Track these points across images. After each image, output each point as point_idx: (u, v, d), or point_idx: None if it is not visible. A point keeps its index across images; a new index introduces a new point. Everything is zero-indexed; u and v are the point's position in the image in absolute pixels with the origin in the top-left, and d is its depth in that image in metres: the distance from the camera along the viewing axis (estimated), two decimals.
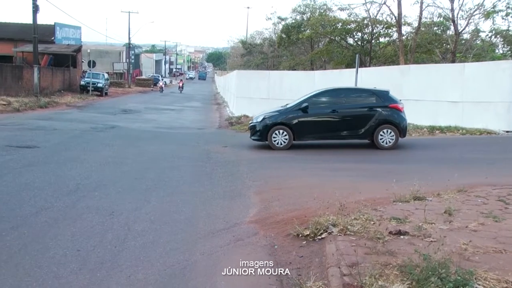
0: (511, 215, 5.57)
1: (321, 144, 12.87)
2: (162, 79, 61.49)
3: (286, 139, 12.44)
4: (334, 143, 13.03)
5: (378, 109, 12.50)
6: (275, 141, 12.45)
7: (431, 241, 4.56)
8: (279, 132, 12.47)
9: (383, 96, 12.69)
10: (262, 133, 12.61)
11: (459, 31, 27.93)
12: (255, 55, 59.53)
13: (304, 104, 12.61)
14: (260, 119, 12.89)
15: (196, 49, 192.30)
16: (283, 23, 45.44)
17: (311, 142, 13.17)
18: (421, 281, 3.54)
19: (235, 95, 25.61)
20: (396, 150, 12.75)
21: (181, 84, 56.66)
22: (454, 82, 17.62)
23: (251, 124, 13.20)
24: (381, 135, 12.38)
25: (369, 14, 33.03)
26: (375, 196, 6.91)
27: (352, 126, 12.52)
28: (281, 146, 12.42)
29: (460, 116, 16.76)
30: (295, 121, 12.51)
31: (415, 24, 30.97)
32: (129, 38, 59.45)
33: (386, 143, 12.37)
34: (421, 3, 28.00)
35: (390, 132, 12.37)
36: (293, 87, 21.89)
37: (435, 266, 3.64)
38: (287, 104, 13.28)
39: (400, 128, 12.46)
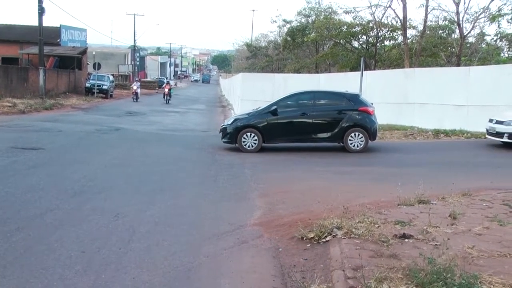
0: None
1: (323, 147, 12.85)
2: (136, 82, 40.11)
3: (256, 141, 12.42)
4: (335, 146, 13.01)
5: (348, 112, 12.48)
6: (244, 143, 12.43)
7: (436, 244, 4.56)
8: (248, 135, 12.45)
9: (353, 99, 12.71)
10: (232, 135, 12.61)
11: (465, 34, 27.90)
12: (260, 58, 59.51)
13: (274, 107, 12.61)
14: (231, 121, 12.94)
15: (201, 52, 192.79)
16: (288, 26, 45.51)
17: (315, 145, 13.15)
18: (425, 284, 3.54)
19: (240, 98, 25.63)
20: (398, 153, 12.75)
21: (166, 90, 36.92)
22: (459, 85, 17.58)
23: (222, 127, 13.20)
24: (350, 138, 12.37)
25: (374, 17, 33.05)
26: (380, 199, 6.90)
27: (322, 129, 12.53)
28: (251, 149, 12.39)
29: (465, 119, 16.70)
30: (265, 123, 12.49)
31: (420, 27, 30.99)
32: (134, 41, 59.71)
33: (356, 146, 12.36)
34: (426, 6, 28.03)
35: (360, 135, 12.36)
36: (298, 89, 21.87)
37: (439, 269, 3.64)
38: (259, 107, 13.32)
39: (370, 131, 12.43)
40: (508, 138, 12.51)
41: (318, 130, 12.53)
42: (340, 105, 12.63)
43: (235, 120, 12.93)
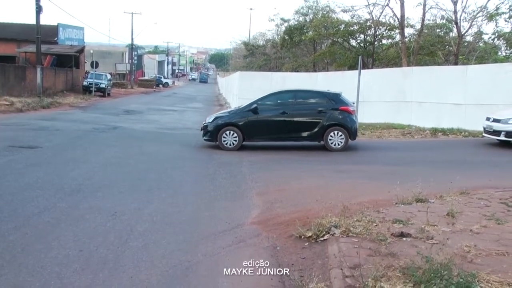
0: None
1: (321, 147, 12.85)
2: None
3: (236, 139, 12.45)
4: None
5: (328, 111, 12.53)
6: (225, 142, 12.45)
7: (434, 243, 4.56)
8: (229, 133, 12.47)
9: (334, 99, 12.74)
10: (212, 133, 12.63)
11: (462, 33, 27.92)
12: (258, 57, 59.47)
13: (254, 105, 12.68)
14: (211, 119, 12.96)
15: (199, 50, 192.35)
16: (285, 24, 45.48)
17: (313, 144, 13.15)
18: (423, 283, 3.55)
19: (238, 96, 25.62)
20: (396, 151, 12.76)
21: None
22: (457, 84, 17.61)
23: (203, 124, 13.18)
24: (330, 137, 12.41)
25: (372, 16, 33.09)
26: (377, 197, 6.91)
27: (302, 128, 12.57)
28: (231, 147, 12.41)
29: (463, 118, 16.74)
30: (245, 122, 12.54)
31: (418, 26, 31.06)
32: (132, 39, 59.50)
33: (336, 145, 12.40)
34: (424, 5, 28.09)
35: (340, 134, 12.41)
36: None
37: (437, 268, 3.64)
38: (241, 105, 13.34)
39: (350, 131, 12.47)
40: (505, 137, 12.54)
41: (299, 128, 12.58)
42: (321, 104, 12.69)
43: (216, 118, 12.95)
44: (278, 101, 12.89)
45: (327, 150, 12.53)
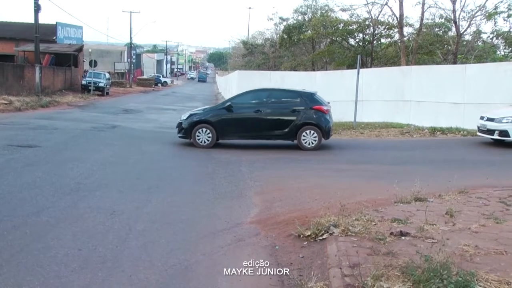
0: None
1: (322, 145, 12.84)
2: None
3: (210, 137, 12.49)
4: (333, 145, 13.03)
5: (302, 110, 12.58)
6: (198, 139, 12.48)
7: (433, 242, 4.57)
8: (202, 130, 12.51)
9: (308, 98, 12.78)
10: (186, 130, 12.66)
11: (461, 32, 27.93)
12: (257, 56, 59.43)
13: (228, 103, 12.80)
14: (186, 116, 12.99)
15: (198, 49, 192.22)
16: (284, 23, 45.52)
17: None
18: (422, 282, 3.55)
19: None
20: (395, 151, 12.76)
21: None
22: (456, 83, 17.63)
23: (178, 122, 13.22)
24: (304, 136, 12.46)
25: (370, 15, 33.07)
26: (376, 196, 6.92)
27: (276, 127, 12.61)
28: (205, 144, 12.45)
29: (461, 117, 16.76)
30: (219, 119, 12.57)
31: (417, 25, 31.04)
32: (131, 38, 59.43)
33: (309, 144, 12.45)
34: (423, 4, 28.08)
35: (313, 133, 12.45)
36: (294, 87, 21.90)
37: (436, 267, 3.65)
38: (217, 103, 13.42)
39: (323, 130, 12.50)
40: (499, 136, 12.55)
41: (272, 127, 12.61)
42: (295, 103, 12.74)
43: (191, 115, 12.95)
44: (253, 100, 12.95)
45: (325, 149, 12.53)
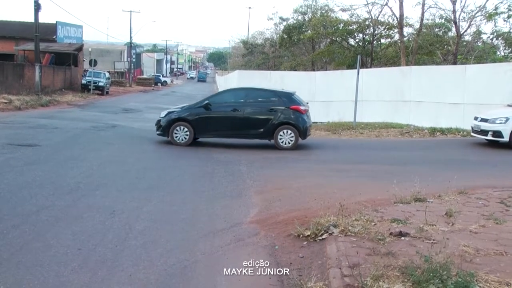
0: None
1: (321, 145, 12.86)
2: None
3: (187, 135, 12.52)
4: (334, 144, 13.03)
5: (279, 110, 12.60)
6: (176, 137, 12.52)
7: (432, 242, 4.57)
8: (180, 128, 12.55)
9: (286, 98, 12.80)
10: (164, 128, 12.70)
11: (461, 33, 27.94)
12: (256, 55, 59.47)
13: (206, 102, 12.82)
14: (164, 114, 13.03)
15: (197, 49, 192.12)
16: (284, 23, 45.56)
17: (312, 143, 13.16)
18: (422, 282, 3.55)
19: None
20: (395, 151, 12.76)
21: None
22: (456, 84, 17.63)
23: (157, 119, 13.26)
24: (280, 135, 12.49)
25: (370, 15, 33.07)
26: (376, 197, 6.92)
27: (253, 126, 12.64)
28: (182, 142, 12.48)
29: (461, 118, 16.75)
30: (197, 118, 12.61)
31: (417, 25, 31.06)
32: (131, 37, 59.39)
33: (286, 144, 12.47)
34: (423, 4, 28.11)
35: (290, 133, 12.47)
36: (294, 87, 21.91)
37: (436, 267, 3.65)
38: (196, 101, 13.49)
39: (300, 130, 12.52)
40: (492, 136, 12.53)
41: (249, 126, 12.65)
42: (273, 102, 12.77)
43: (169, 113, 12.99)
44: (231, 99, 13.04)
45: (325, 149, 12.54)
